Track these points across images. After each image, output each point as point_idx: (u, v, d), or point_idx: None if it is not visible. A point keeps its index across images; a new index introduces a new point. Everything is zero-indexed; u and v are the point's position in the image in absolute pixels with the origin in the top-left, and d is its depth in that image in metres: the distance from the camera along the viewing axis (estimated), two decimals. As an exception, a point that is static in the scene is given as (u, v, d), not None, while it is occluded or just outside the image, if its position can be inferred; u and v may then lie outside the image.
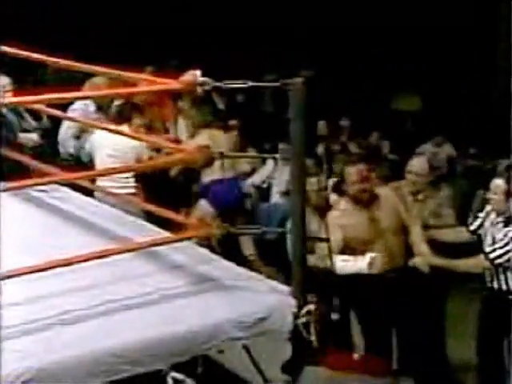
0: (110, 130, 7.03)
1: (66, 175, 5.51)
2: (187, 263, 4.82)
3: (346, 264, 5.60)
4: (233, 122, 9.23)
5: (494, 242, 5.71)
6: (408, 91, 11.13)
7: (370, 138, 10.17)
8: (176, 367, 4.31)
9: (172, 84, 5.05)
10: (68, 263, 4.38)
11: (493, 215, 5.79)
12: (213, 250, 5.23)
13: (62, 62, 5.43)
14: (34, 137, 6.66)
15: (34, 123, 7.43)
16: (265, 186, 9.29)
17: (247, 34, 11.46)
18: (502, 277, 5.78)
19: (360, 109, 10.40)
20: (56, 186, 5.77)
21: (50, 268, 4.32)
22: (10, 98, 5.33)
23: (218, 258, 5.03)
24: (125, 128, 7.57)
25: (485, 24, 10.56)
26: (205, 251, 5.03)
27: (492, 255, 5.73)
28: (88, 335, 4.01)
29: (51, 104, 6.12)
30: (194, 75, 5.10)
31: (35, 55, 5.52)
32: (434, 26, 10.86)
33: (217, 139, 7.83)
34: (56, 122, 7.98)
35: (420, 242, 6.04)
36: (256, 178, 9.32)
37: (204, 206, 7.84)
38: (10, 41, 5.59)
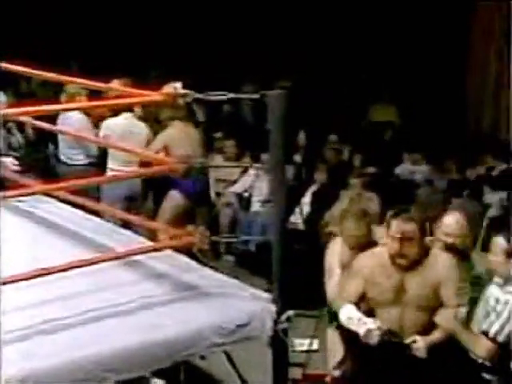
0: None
1: (50, 186, 5.47)
2: (169, 271, 4.77)
3: (349, 321, 4.67)
4: (201, 119, 9.24)
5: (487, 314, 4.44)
6: (384, 102, 11.14)
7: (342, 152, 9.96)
8: (158, 373, 4.25)
9: (154, 96, 5.01)
10: (50, 272, 4.33)
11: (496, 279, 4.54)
12: (194, 258, 5.17)
13: (43, 74, 5.38)
14: (8, 161, 6.62)
15: (20, 139, 7.38)
16: (246, 194, 9.27)
17: (226, 46, 11.44)
18: None
19: (337, 119, 10.41)
20: (39, 196, 5.71)
21: (32, 278, 4.26)
22: (9, 110, 5.23)
23: (199, 266, 4.99)
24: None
25: (456, 36, 10.59)
26: (186, 259, 4.98)
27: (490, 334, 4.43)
28: (70, 343, 3.94)
29: (38, 116, 6.10)
30: (175, 87, 5.07)
31: (16, 67, 5.48)
32: (410, 37, 10.87)
33: (189, 131, 7.90)
34: (40, 135, 7.92)
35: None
36: (237, 187, 9.29)
37: (174, 195, 7.94)
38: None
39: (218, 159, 9.36)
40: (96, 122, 8.05)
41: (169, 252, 4.98)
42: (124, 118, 7.92)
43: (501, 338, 4.26)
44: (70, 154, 7.82)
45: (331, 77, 11.07)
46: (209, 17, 11.63)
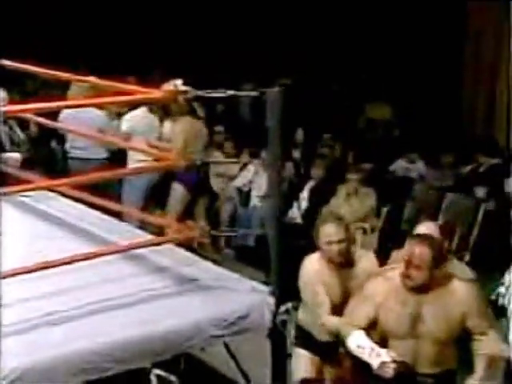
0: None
1: (56, 182, 5.49)
2: (169, 265, 4.78)
3: (359, 350, 4.10)
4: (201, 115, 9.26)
5: None
6: (379, 101, 11.14)
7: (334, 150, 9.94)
8: (159, 365, 4.26)
9: (154, 93, 5.02)
10: (53, 266, 4.33)
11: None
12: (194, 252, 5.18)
13: (47, 72, 5.39)
14: (16, 156, 6.61)
15: (22, 135, 7.36)
16: (246, 189, 9.28)
17: (226, 46, 11.44)
18: None
19: (335, 117, 10.41)
20: (44, 192, 5.72)
21: (36, 270, 4.27)
22: (9, 107, 5.22)
23: (199, 260, 5.00)
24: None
25: (452, 36, 10.59)
26: (186, 253, 4.99)
27: None
28: (73, 335, 3.95)
29: (40, 113, 6.11)
30: (175, 85, 5.08)
31: (21, 65, 5.49)
32: (407, 38, 10.87)
33: (195, 126, 7.90)
34: (43, 131, 7.91)
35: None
36: (237, 182, 9.30)
37: (178, 188, 7.94)
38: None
39: (217, 154, 9.37)
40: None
41: (170, 246, 4.99)
42: (142, 112, 7.91)
43: None
44: (85, 149, 7.76)
45: (330, 76, 11.06)
46: (209, 17, 11.63)
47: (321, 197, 8.50)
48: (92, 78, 5.48)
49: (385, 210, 8.26)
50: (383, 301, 4.15)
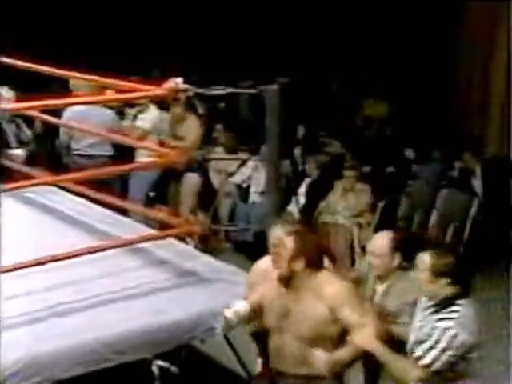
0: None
1: (56, 177, 5.49)
2: (171, 259, 4.78)
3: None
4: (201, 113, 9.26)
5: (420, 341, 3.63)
6: (376, 98, 11.13)
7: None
8: (161, 356, 4.25)
9: (156, 90, 5.02)
10: (58, 259, 4.33)
11: (424, 299, 3.76)
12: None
13: (50, 69, 5.38)
14: (19, 152, 6.60)
15: (28, 132, 7.34)
16: (245, 185, 9.27)
17: (226, 45, 11.42)
18: None
19: (333, 114, 10.40)
20: (48, 187, 5.72)
21: (41, 264, 4.27)
22: (5, 105, 5.23)
23: (200, 254, 5.00)
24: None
25: (446, 35, 10.57)
26: (187, 247, 4.99)
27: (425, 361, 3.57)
28: (77, 326, 3.96)
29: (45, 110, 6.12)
30: (176, 83, 5.08)
31: (26, 64, 5.49)
32: (403, 38, 10.87)
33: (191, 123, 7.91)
34: (47, 128, 7.87)
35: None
36: (237, 178, 9.29)
37: (192, 177, 7.93)
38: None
39: (217, 151, 9.36)
40: None
41: (171, 240, 4.99)
42: (159, 113, 7.88)
43: (437, 366, 3.50)
44: (92, 146, 7.73)
45: (328, 74, 11.05)
46: (209, 17, 11.60)
47: (318, 192, 8.49)
48: (94, 77, 5.47)
49: (380, 205, 8.26)
50: (261, 291, 3.92)
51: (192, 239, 6.40)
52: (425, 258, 3.64)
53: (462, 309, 3.54)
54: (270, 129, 4.55)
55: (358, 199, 8.16)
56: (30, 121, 7.30)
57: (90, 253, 4.49)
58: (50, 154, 7.58)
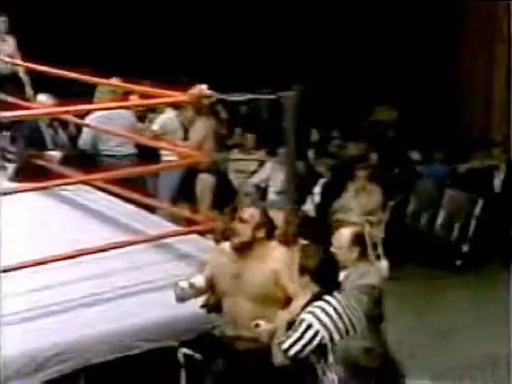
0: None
1: (88, 176, 5.56)
2: (193, 253, 4.82)
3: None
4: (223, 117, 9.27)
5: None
6: (386, 105, 11.13)
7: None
8: (185, 344, 4.27)
9: (181, 96, 5.06)
10: (88, 253, 4.38)
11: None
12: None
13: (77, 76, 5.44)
14: (55, 154, 6.70)
15: (64, 136, 7.42)
16: (263, 185, 9.29)
17: (246, 54, 11.47)
18: None
19: (345, 119, 10.41)
20: (81, 186, 5.77)
21: (73, 257, 4.32)
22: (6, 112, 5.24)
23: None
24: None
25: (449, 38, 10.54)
26: (209, 242, 5.01)
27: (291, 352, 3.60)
28: (106, 315, 4.00)
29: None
30: (200, 89, 5.11)
31: (53, 70, 5.56)
32: (410, 48, 10.87)
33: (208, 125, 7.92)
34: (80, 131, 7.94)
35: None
36: (255, 179, 9.32)
37: (206, 178, 7.93)
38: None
39: (235, 152, 9.40)
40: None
41: (194, 236, 5.02)
42: (173, 115, 7.91)
43: (291, 353, 3.57)
44: (119, 146, 7.78)
45: (341, 81, 11.06)
46: (232, 30, 11.63)
47: (332, 192, 8.51)
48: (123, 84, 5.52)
49: (390, 204, 8.28)
50: (215, 263, 4.04)
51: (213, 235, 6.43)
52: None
53: (323, 304, 3.61)
54: (287, 132, 4.57)
55: (370, 199, 8.18)
56: (66, 125, 7.36)
57: (119, 247, 4.54)
58: (82, 155, 7.62)
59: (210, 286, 4.00)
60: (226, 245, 4.07)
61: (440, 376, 5.52)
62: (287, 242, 4.22)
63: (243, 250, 3.96)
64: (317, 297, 3.67)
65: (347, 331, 3.62)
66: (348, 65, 11.16)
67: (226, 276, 3.96)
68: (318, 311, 3.61)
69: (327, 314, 3.62)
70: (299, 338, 3.59)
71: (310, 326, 3.58)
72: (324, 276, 3.75)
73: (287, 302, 3.87)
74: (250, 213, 3.99)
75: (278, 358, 3.69)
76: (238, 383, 3.91)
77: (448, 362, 5.73)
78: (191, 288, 3.88)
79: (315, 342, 3.58)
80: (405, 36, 10.77)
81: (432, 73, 10.58)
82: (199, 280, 3.97)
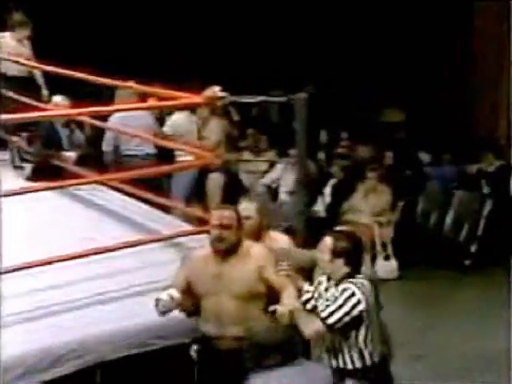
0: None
1: (103, 176, 5.56)
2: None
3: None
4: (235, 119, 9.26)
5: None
6: (394, 106, 11.11)
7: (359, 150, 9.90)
8: (197, 341, 4.27)
9: (195, 98, 5.06)
10: (102, 252, 4.39)
11: (323, 279, 3.91)
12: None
13: (95, 78, 5.45)
14: (71, 154, 6.73)
15: (81, 137, 7.44)
16: (274, 186, 9.29)
17: (258, 57, 11.48)
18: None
19: (353, 121, 10.40)
20: (95, 185, 5.78)
21: (86, 256, 4.33)
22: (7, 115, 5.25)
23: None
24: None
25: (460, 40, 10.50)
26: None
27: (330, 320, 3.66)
28: (120, 313, 4.01)
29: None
30: (214, 91, 5.11)
31: (69, 72, 5.57)
32: (420, 50, 10.84)
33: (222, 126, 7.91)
34: (96, 132, 7.95)
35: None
36: (266, 179, 9.32)
37: (216, 177, 7.90)
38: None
39: (247, 153, 9.40)
40: None
41: (205, 235, 5.01)
42: (184, 116, 7.90)
43: (331, 321, 3.62)
44: (139, 146, 7.79)
45: (351, 84, 11.04)
46: (242, 33, 11.63)
47: (342, 193, 8.49)
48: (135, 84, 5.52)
49: (400, 204, 8.26)
50: (194, 265, 4.00)
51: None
52: (328, 241, 3.80)
53: (359, 280, 3.71)
54: (298, 133, 4.57)
55: (379, 199, 8.17)
56: (82, 126, 7.38)
57: (132, 246, 4.54)
58: (98, 155, 7.63)
59: (185, 290, 3.91)
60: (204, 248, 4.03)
61: (448, 377, 5.52)
62: (259, 235, 4.19)
63: (227, 253, 3.93)
64: (350, 275, 3.73)
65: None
66: (356, 66, 11.14)
67: (206, 277, 3.92)
68: (359, 283, 3.70)
69: (366, 289, 3.69)
70: (341, 306, 3.64)
71: (353, 294, 3.65)
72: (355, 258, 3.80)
73: (269, 295, 3.87)
74: (228, 216, 3.90)
75: (308, 330, 3.69)
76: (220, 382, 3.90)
77: (458, 363, 5.73)
78: (171, 299, 3.79)
79: (355, 312, 3.63)
80: (414, 37, 10.74)
81: (440, 74, 10.55)
82: (173, 292, 3.82)
